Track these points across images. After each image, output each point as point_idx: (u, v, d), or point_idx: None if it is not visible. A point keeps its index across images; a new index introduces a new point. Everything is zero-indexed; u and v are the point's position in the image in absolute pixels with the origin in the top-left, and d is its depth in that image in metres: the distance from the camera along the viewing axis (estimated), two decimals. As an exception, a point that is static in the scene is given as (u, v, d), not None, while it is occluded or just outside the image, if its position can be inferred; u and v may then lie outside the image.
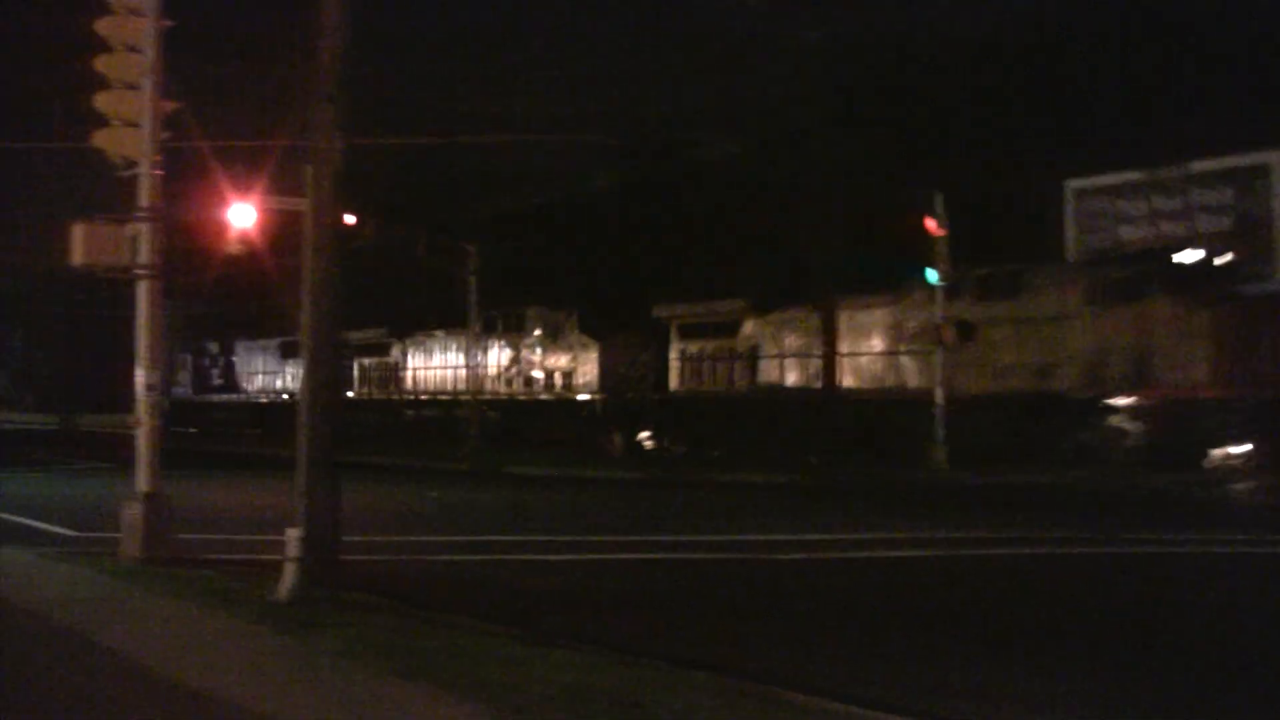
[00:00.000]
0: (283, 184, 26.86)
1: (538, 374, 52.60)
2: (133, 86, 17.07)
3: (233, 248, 23.61)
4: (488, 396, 51.94)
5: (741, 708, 8.89)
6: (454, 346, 55.96)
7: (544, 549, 20.20)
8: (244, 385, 72.73)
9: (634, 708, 8.78)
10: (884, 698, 9.66)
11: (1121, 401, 33.71)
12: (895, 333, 39.84)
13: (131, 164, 17.19)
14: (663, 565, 18.66)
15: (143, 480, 16.95)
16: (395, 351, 61.08)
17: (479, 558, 19.02)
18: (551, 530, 23.15)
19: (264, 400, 68.85)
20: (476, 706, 8.89)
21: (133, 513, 16.69)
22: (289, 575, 13.17)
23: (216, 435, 65.90)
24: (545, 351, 52.94)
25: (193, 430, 67.57)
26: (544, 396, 52.83)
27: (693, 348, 46.85)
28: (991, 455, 34.39)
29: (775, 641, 12.77)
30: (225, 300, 73.58)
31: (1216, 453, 32.10)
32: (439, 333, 57.41)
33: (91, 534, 20.55)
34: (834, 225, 37.91)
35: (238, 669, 10.13)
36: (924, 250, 36.88)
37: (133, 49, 17.03)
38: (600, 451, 45.13)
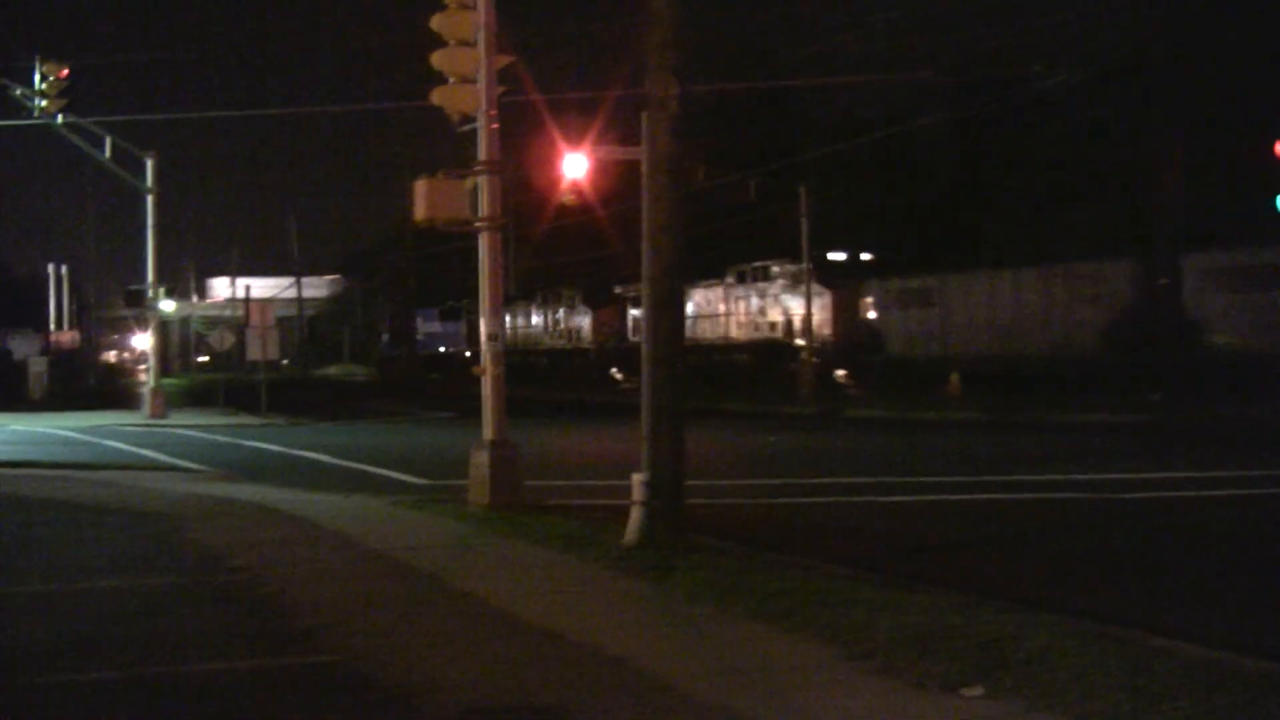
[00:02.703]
0: (612, 133, 27.12)
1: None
2: (467, 43, 17.40)
3: (566, 198, 23.89)
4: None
5: (1100, 650, 8.61)
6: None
7: (884, 490, 20.05)
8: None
9: (989, 649, 8.60)
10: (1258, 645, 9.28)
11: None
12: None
13: (468, 119, 17.54)
14: (1005, 505, 18.34)
15: (489, 429, 17.33)
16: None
17: (820, 500, 18.99)
18: (891, 472, 22.98)
19: (431, 354, 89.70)
20: (828, 648, 8.86)
21: (480, 461, 17.09)
22: (636, 519, 13.31)
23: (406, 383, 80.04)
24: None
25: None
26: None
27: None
28: None
29: (1126, 583, 12.41)
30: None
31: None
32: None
33: (439, 482, 21.18)
34: (1176, 160, 36.29)
35: (590, 611, 10.28)
36: (1273, 178, 35.19)
37: (465, 6, 17.34)
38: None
